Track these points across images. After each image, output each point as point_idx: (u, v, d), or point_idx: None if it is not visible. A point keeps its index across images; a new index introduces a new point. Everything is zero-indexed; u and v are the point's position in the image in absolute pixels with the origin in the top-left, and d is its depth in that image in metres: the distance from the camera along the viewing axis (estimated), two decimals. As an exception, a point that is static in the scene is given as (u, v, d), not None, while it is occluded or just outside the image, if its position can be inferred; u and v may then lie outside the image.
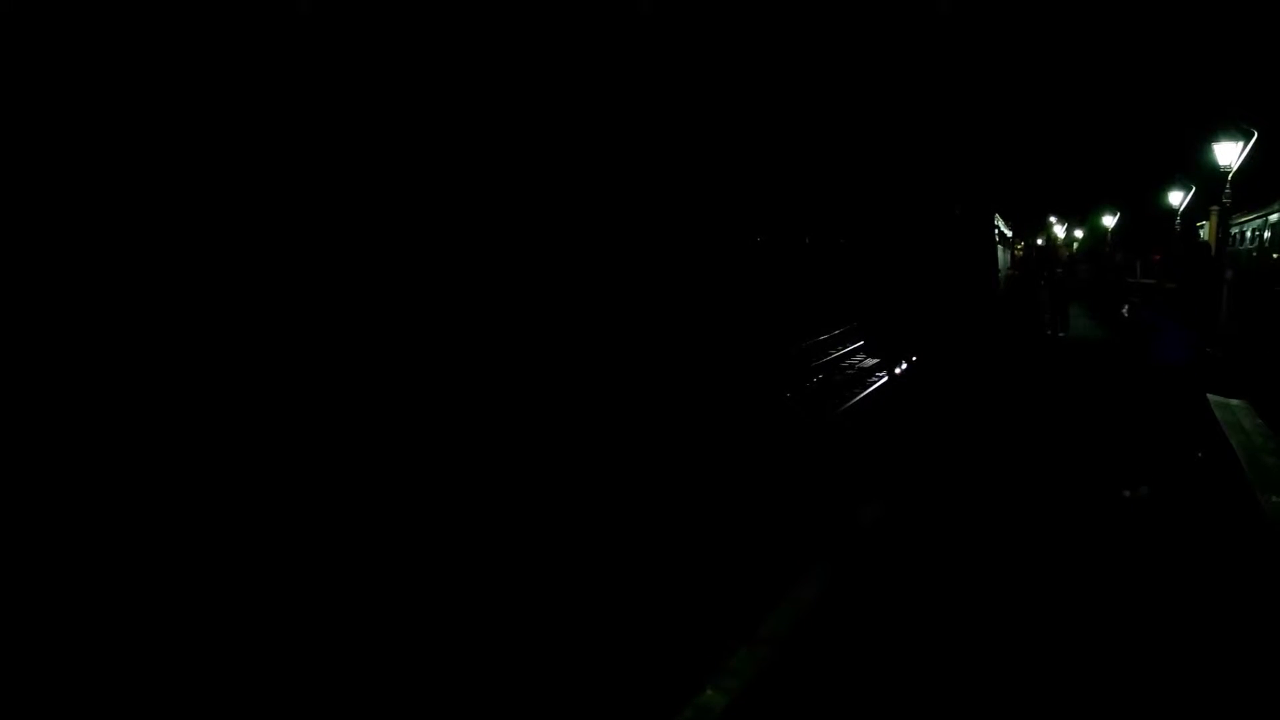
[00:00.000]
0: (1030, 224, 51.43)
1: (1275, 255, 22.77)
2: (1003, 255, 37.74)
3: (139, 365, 10.42)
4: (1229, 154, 17.35)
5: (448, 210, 15.65)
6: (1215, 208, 21.60)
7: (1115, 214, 49.04)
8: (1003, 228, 37.32)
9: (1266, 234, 23.82)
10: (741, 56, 21.47)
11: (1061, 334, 23.03)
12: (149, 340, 10.68)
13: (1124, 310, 24.33)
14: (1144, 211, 40.54)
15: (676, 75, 20.65)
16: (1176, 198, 32.25)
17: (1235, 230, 26.04)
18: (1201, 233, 31.19)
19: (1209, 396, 10.93)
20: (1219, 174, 17.80)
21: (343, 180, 12.99)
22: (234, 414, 10.90)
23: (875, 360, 19.35)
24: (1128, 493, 8.19)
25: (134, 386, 10.26)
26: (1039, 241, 51.91)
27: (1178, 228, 32.54)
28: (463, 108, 15.97)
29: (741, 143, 20.40)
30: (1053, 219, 56.72)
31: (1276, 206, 22.91)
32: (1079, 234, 58.95)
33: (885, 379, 17.55)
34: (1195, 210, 31.91)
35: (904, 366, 18.62)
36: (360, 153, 13.32)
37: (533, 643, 6.00)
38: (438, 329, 14.14)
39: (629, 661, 5.64)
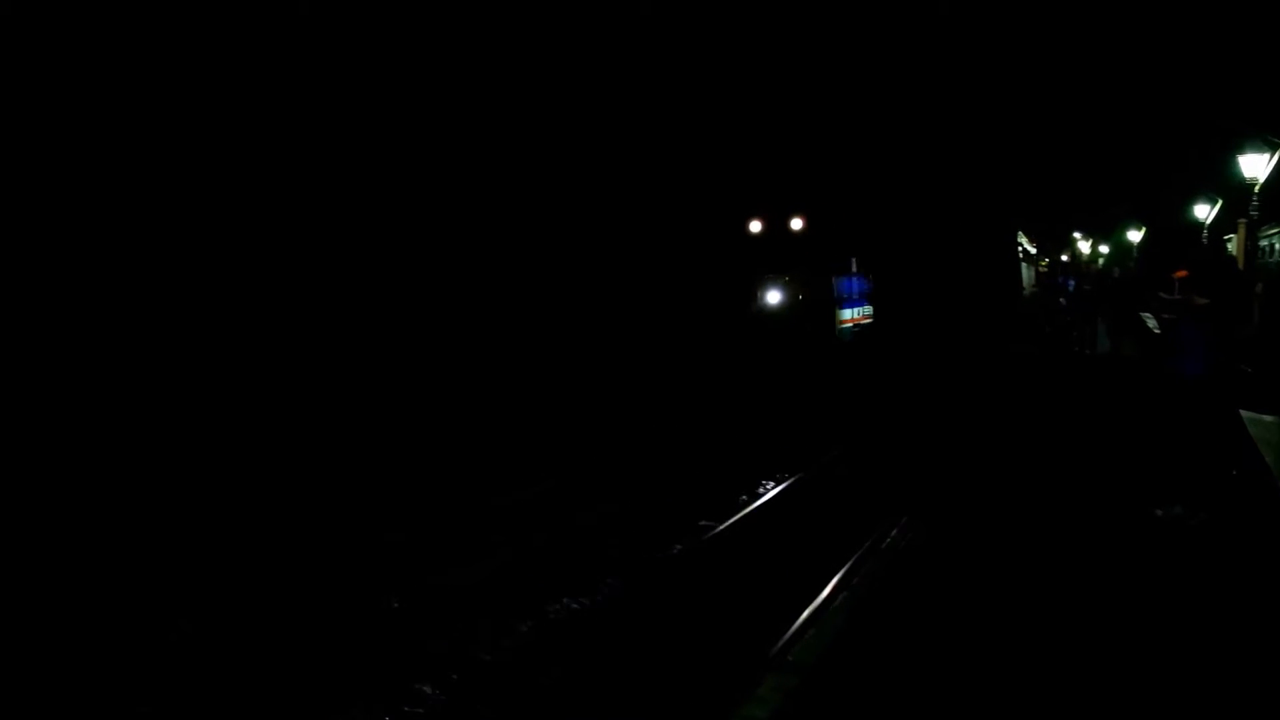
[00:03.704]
0: (1054, 240, 50.99)
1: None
2: (1027, 272, 37.50)
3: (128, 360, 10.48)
4: (1256, 166, 17.14)
5: (466, 213, 15.77)
6: (1243, 220, 21.33)
7: (1141, 229, 48.58)
8: (1026, 245, 37.06)
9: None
10: (782, 91, 21.45)
11: (1089, 351, 22.75)
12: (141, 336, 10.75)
13: (1151, 326, 24.04)
14: (1170, 225, 40.13)
15: (730, 97, 20.76)
16: (1203, 211, 31.89)
17: (1264, 243, 25.68)
18: (1229, 246, 30.79)
19: (1242, 412, 10.73)
20: (1246, 186, 17.58)
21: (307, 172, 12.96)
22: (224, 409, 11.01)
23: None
24: (1160, 511, 8.02)
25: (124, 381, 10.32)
26: (1063, 258, 51.48)
27: (1205, 241, 32.15)
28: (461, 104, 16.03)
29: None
30: (1077, 235, 56.26)
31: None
32: (1104, 249, 58.42)
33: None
34: (1222, 223, 31.51)
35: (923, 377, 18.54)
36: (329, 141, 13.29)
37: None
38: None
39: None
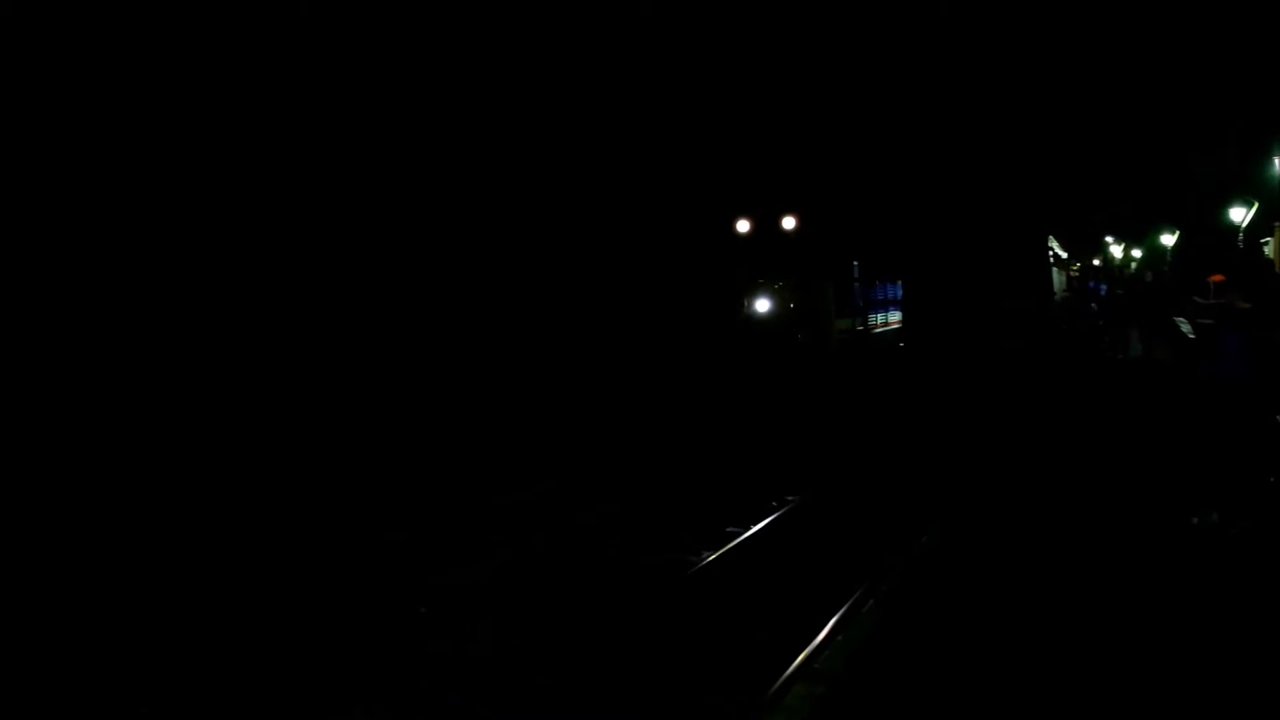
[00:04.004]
0: (1086, 245, 50.40)
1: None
2: (1058, 277, 37.08)
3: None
4: (1293, 168, 16.82)
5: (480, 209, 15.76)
6: (1279, 223, 20.94)
7: (1174, 232, 47.87)
8: (1057, 249, 36.65)
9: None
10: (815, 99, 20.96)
11: (1121, 356, 22.41)
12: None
13: (1185, 330, 23.63)
14: (1204, 228, 39.51)
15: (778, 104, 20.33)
16: (1238, 214, 31.35)
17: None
18: (1265, 249, 30.25)
19: (1280, 419, 10.51)
20: (1282, 189, 17.25)
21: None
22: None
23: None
24: (1196, 519, 7.87)
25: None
26: (1095, 262, 50.88)
27: (1241, 245, 31.60)
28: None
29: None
30: (1109, 239, 55.58)
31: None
32: (1137, 253, 57.65)
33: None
34: (1259, 226, 30.95)
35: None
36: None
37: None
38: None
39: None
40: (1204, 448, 9.60)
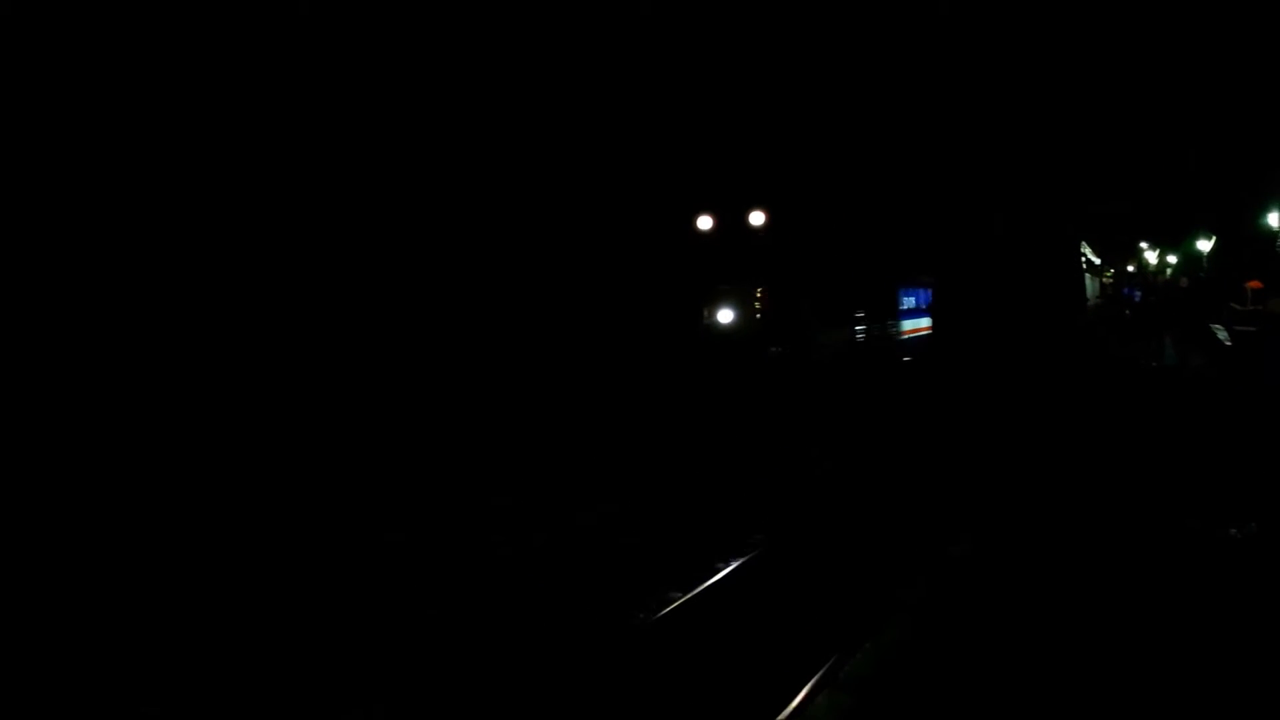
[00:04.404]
0: (1120, 251, 49.76)
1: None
2: (1091, 284, 36.68)
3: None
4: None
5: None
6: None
7: (1211, 238, 47.16)
8: (1090, 255, 36.23)
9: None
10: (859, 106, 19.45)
11: (1155, 364, 22.10)
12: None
13: (1222, 338, 23.27)
14: (1242, 234, 38.86)
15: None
16: (1276, 219, 30.83)
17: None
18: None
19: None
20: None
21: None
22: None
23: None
24: (1235, 531, 7.71)
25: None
26: (1129, 269, 50.23)
27: (1278, 250, 31.06)
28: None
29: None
30: (1144, 245, 54.85)
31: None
32: (1172, 259, 56.85)
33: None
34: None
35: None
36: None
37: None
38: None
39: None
40: (1242, 456, 9.42)
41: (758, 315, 14.11)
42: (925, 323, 19.87)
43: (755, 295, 14.12)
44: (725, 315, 14.13)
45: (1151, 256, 56.77)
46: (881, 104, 20.03)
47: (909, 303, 19.31)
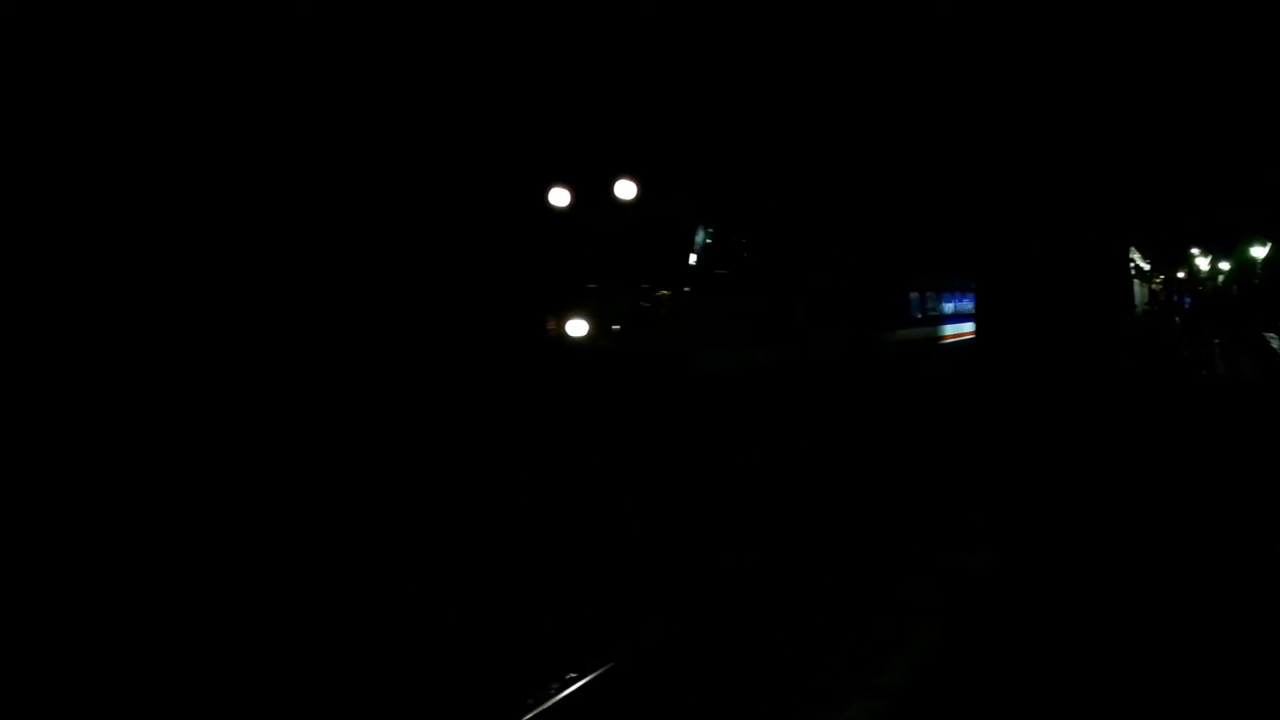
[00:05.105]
0: (1171, 257, 48.71)
1: None
2: (1140, 290, 35.98)
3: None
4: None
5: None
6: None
7: (1266, 244, 46.02)
8: (1139, 261, 35.53)
9: None
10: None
11: (1205, 372, 21.64)
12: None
13: (1276, 346, 22.71)
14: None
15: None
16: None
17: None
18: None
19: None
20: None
21: None
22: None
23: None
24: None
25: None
26: (1179, 275, 49.19)
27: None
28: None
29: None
30: (1195, 251, 53.66)
31: None
32: (1225, 266, 55.54)
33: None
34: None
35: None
36: None
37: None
38: None
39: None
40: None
41: (638, 324, 9.75)
42: (967, 328, 19.36)
43: (622, 297, 9.84)
44: (578, 328, 9.76)
45: (1203, 263, 55.51)
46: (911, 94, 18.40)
47: (948, 307, 18.68)
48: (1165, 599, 6.36)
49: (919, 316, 16.29)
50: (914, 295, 16.07)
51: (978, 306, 19.75)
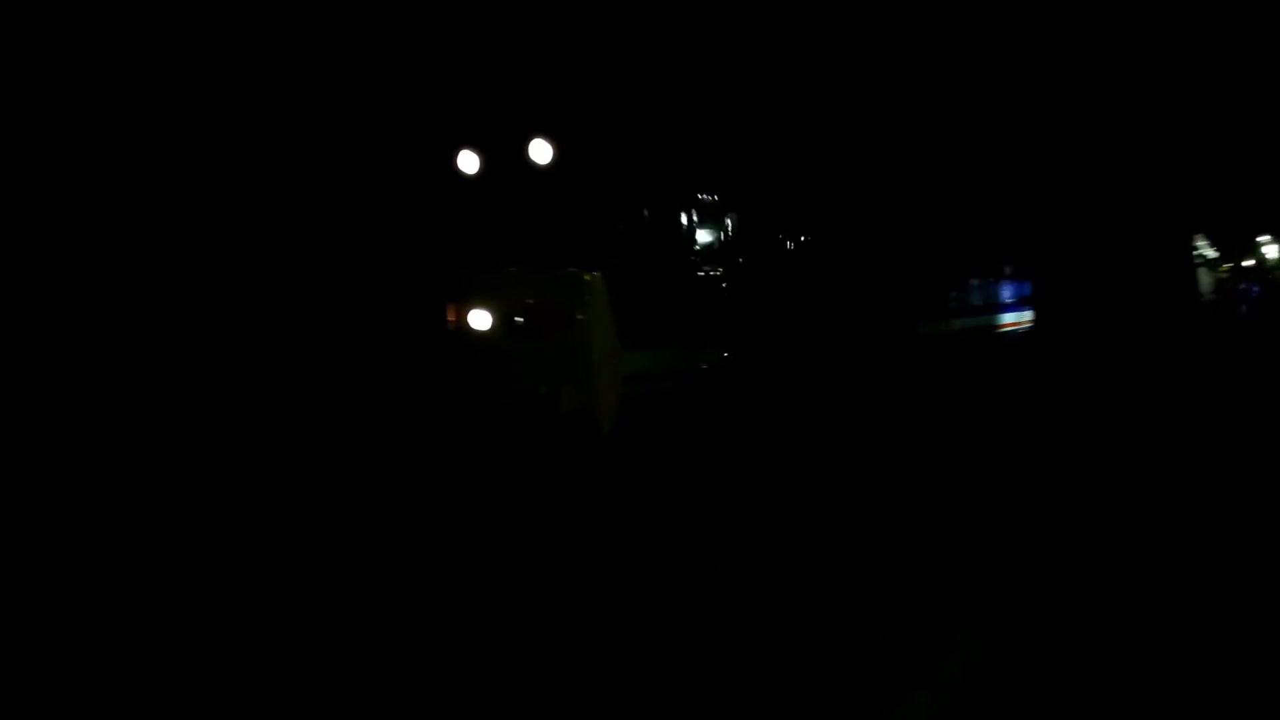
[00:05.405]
0: (1238, 245, 47.25)
1: None
2: (1206, 278, 34.97)
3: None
4: None
5: None
6: None
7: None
8: (1206, 250, 34.60)
9: None
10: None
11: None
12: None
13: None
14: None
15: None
16: None
17: None
18: None
19: None
20: None
21: None
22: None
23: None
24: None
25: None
26: (1245, 264, 47.73)
27: None
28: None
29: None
30: (1263, 239, 51.97)
31: None
32: (1295, 255, 53.69)
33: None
34: None
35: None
36: None
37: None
38: None
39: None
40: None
41: (546, 316, 7.92)
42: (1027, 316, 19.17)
43: (535, 282, 8.05)
44: (480, 320, 8.13)
45: (1271, 250, 53.80)
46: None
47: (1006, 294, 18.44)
48: None
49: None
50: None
51: (1034, 299, 19.48)
